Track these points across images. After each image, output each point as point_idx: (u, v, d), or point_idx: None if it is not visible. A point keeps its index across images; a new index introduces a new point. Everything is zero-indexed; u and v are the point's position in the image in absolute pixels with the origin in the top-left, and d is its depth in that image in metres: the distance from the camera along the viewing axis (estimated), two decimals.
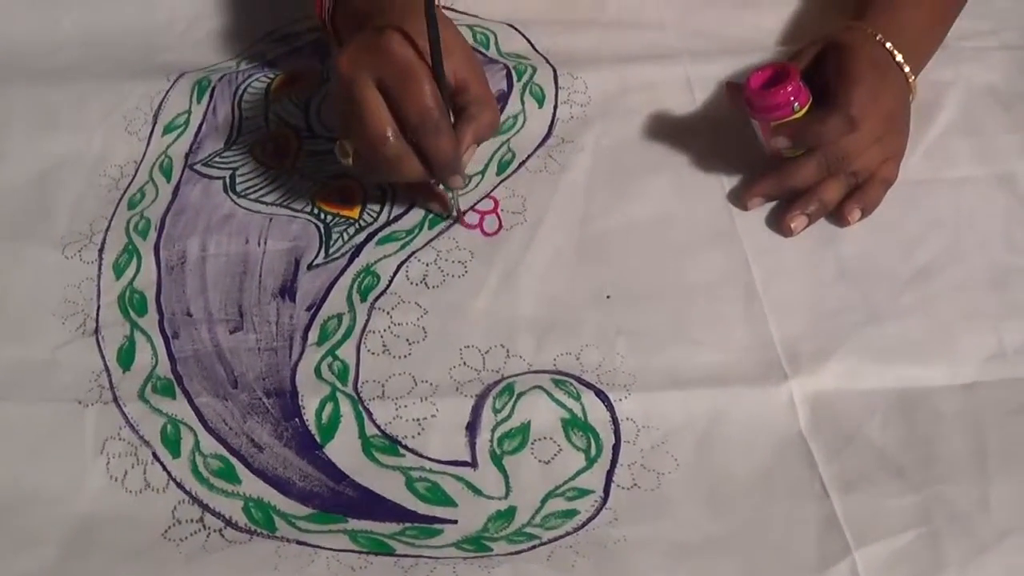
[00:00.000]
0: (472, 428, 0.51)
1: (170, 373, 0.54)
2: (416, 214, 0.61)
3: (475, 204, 0.61)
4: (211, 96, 0.70)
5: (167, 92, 0.70)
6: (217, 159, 0.66)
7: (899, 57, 0.60)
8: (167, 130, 0.68)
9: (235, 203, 0.63)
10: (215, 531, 0.49)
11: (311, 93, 0.69)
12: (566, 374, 0.52)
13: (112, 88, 0.70)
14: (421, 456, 0.50)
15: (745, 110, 0.59)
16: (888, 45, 0.60)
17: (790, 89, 0.57)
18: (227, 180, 0.64)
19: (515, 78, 0.68)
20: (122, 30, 0.75)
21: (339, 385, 0.53)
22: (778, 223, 0.59)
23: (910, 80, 0.61)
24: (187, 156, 0.66)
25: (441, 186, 0.59)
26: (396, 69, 0.53)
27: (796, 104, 0.57)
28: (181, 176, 0.65)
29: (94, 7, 0.75)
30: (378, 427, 0.51)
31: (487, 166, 0.63)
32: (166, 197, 0.64)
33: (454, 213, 0.60)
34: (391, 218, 0.61)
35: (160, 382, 0.54)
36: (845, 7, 0.66)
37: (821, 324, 0.54)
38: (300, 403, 0.52)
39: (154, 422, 0.52)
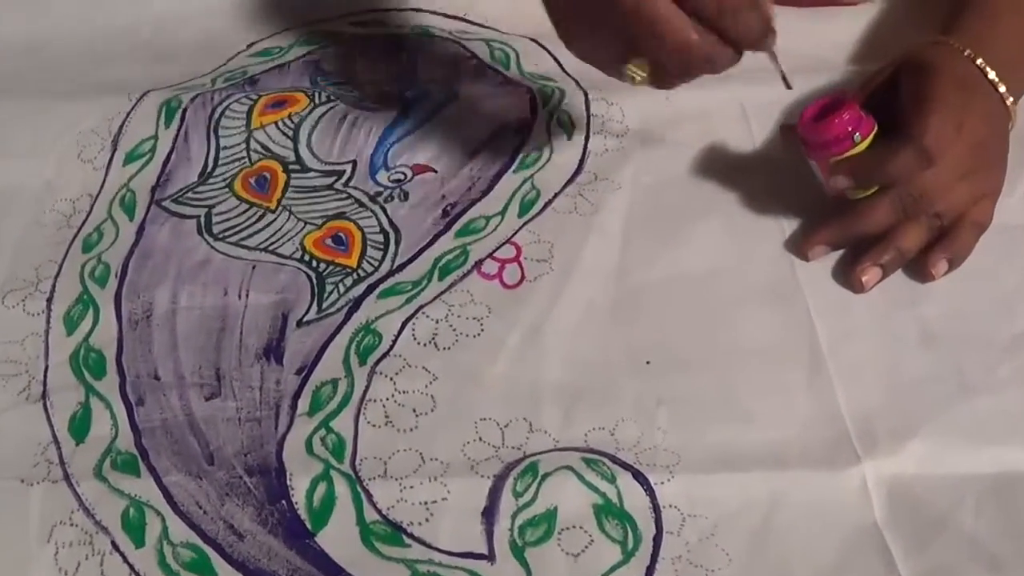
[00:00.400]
0: (489, 514, 0.53)
1: (133, 447, 0.57)
2: (424, 262, 0.65)
3: (494, 251, 0.65)
4: (182, 119, 0.75)
5: (128, 113, 0.75)
6: (190, 195, 0.70)
7: (992, 75, 0.62)
8: (129, 159, 0.73)
9: (211, 247, 0.67)
10: None
11: (301, 118, 0.73)
12: (599, 452, 0.55)
13: (62, 107, 0.74)
14: (429, 547, 0.53)
15: (800, 149, 0.63)
16: (979, 62, 0.62)
17: (847, 118, 0.60)
18: (202, 220, 0.69)
19: (540, 103, 0.73)
20: (72, 35, 0.79)
21: (334, 462, 0.56)
22: (847, 276, 0.62)
23: (1007, 103, 0.63)
24: (154, 190, 0.71)
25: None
26: None
27: (856, 135, 0.61)
28: (146, 214, 0.69)
29: (40, 6, 0.80)
30: (379, 512, 0.54)
31: (507, 206, 0.68)
32: (128, 238, 0.68)
33: (783, 80, 0.59)
34: (395, 267, 0.65)
35: (121, 457, 0.57)
36: (933, 17, 0.70)
37: (900, 397, 0.57)
38: (288, 483, 0.55)
39: (114, 504, 0.54)
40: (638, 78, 0.58)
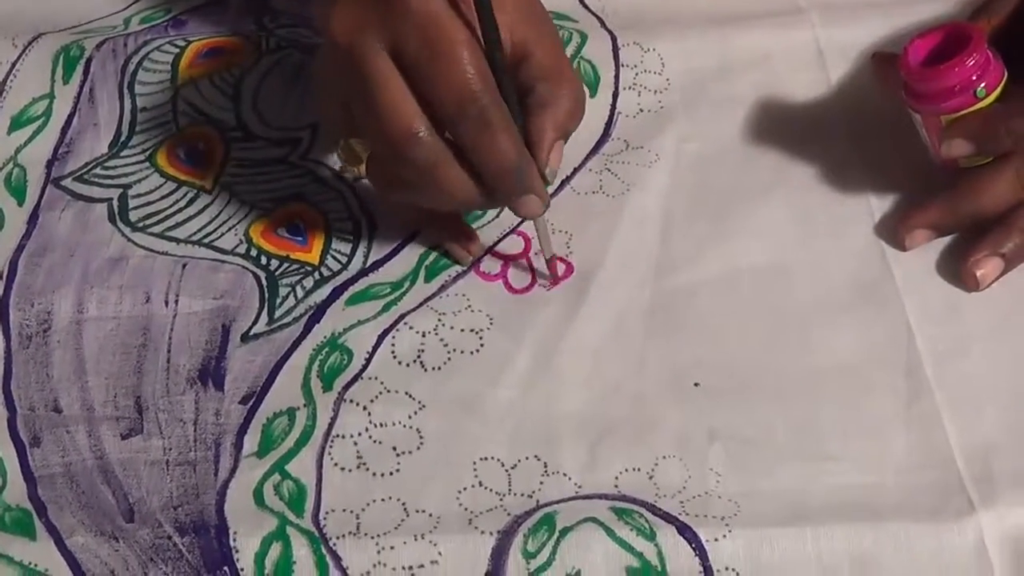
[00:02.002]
0: None
1: (26, 500, 0.58)
2: (407, 259, 0.66)
3: (496, 244, 0.67)
4: (85, 73, 0.76)
5: (14, 65, 0.76)
6: (98, 171, 0.72)
7: None
8: (16, 125, 0.74)
9: (128, 239, 0.68)
10: None
11: (244, 71, 0.75)
12: (634, 500, 0.56)
13: None
14: None
15: (902, 98, 0.64)
16: None
17: (971, 63, 0.61)
18: (114, 204, 0.70)
19: None
20: None
21: (291, 516, 0.57)
22: (957, 270, 0.63)
23: None
24: (50, 166, 0.72)
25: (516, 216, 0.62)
26: (418, 30, 0.57)
27: (982, 87, 0.61)
28: (41, 197, 0.71)
29: None
30: None
31: None
32: (17, 228, 0.69)
33: (546, 267, 0.64)
34: (369, 265, 0.66)
35: (10, 514, 0.57)
36: None
37: None
38: (232, 543, 0.56)
39: None
40: (353, 166, 0.62)
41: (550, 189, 0.62)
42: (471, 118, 0.57)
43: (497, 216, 0.68)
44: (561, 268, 0.65)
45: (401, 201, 0.63)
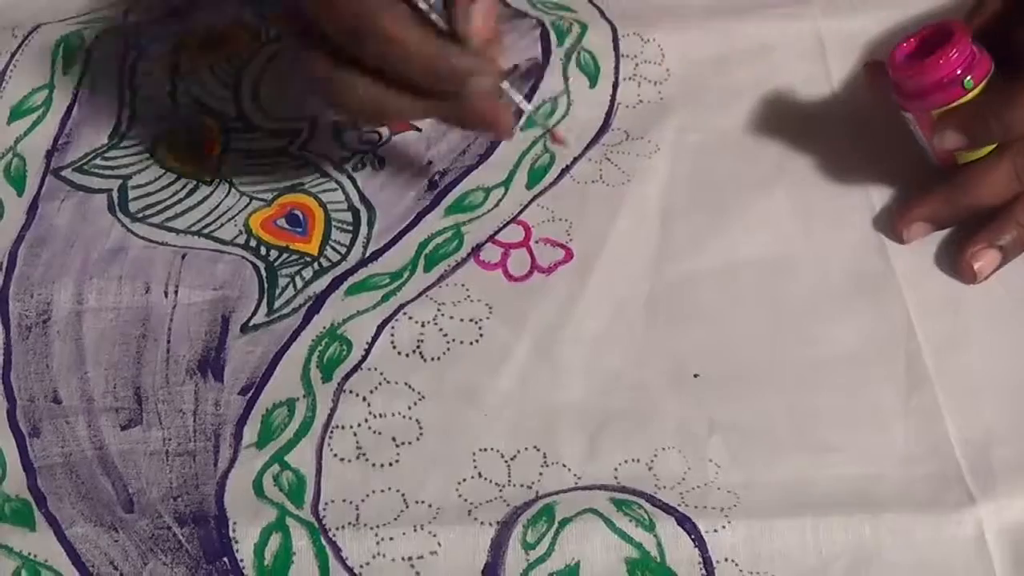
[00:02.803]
0: (492, 572, 0.54)
1: (26, 490, 0.58)
2: (406, 249, 0.66)
3: (496, 233, 0.67)
4: (85, 63, 0.76)
5: (13, 55, 0.76)
6: (98, 161, 0.72)
7: None
8: (16, 115, 0.74)
9: (128, 230, 0.68)
10: None
11: (244, 61, 0.75)
12: (633, 492, 0.56)
13: None
14: None
15: (893, 98, 0.64)
16: None
17: (955, 55, 0.61)
18: (114, 195, 0.70)
19: (554, 41, 0.74)
20: None
21: (291, 507, 0.57)
22: (955, 263, 0.63)
23: None
24: (49, 156, 0.72)
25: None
26: None
27: (968, 79, 0.61)
28: (41, 186, 0.71)
29: None
30: (350, 571, 0.55)
31: (512, 175, 0.69)
32: (16, 219, 0.69)
33: (519, 126, 0.64)
34: (368, 255, 0.66)
35: (10, 505, 0.58)
36: None
37: None
38: (231, 534, 0.56)
39: (0, 566, 0.56)
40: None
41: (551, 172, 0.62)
42: (366, 37, 0.55)
43: (497, 206, 0.68)
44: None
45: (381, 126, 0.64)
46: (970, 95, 0.62)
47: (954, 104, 0.62)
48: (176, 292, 0.65)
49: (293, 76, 0.74)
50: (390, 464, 0.58)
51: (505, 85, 0.61)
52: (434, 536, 0.55)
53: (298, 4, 0.57)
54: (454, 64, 0.56)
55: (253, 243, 0.67)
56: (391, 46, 0.56)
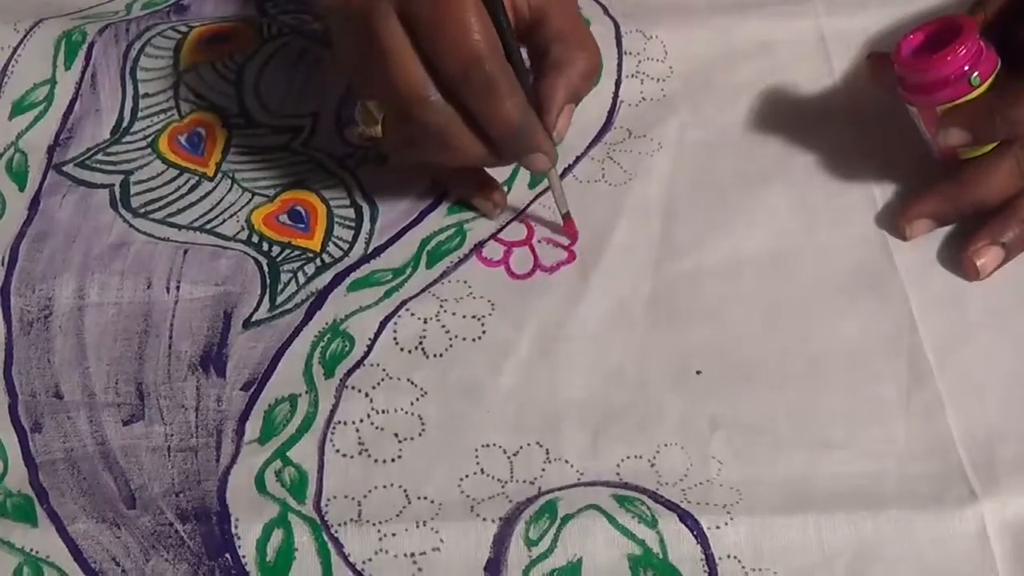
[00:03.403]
0: (494, 569, 0.54)
1: (27, 486, 0.58)
2: (408, 245, 0.66)
3: (498, 231, 0.67)
4: (87, 58, 0.76)
5: (15, 50, 0.76)
6: (99, 157, 0.72)
7: None
8: (18, 110, 0.74)
9: (129, 225, 0.68)
10: None
11: (246, 57, 0.74)
12: (636, 488, 0.56)
13: None
14: None
15: (898, 92, 0.64)
16: None
17: (963, 52, 0.61)
18: (116, 190, 0.70)
19: None
20: None
21: (293, 503, 0.57)
22: (958, 259, 0.63)
23: None
24: (51, 151, 0.72)
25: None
26: None
27: (975, 76, 0.61)
28: (42, 182, 0.71)
29: None
30: (352, 567, 0.55)
31: (514, 173, 0.69)
32: (18, 214, 0.69)
33: (560, 213, 0.65)
34: (370, 251, 0.66)
35: (11, 500, 0.58)
36: None
37: None
38: (233, 530, 0.56)
39: (1, 563, 0.56)
40: (370, 126, 0.62)
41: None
42: (475, 82, 0.58)
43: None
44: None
45: (415, 161, 0.65)
46: (976, 92, 0.62)
47: (960, 101, 0.62)
48: (178, 288, 0.65)
49: (297, 71, 0.74)
50: (392, 460, 0.58)
51: (555, 173, 0.64)
52: (436, 532, 0.55)
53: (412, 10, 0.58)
54: (537, 137, 0.61)
55: (255, 239, 0.67)
56: (493, 93, 0.58)
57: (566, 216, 0.65)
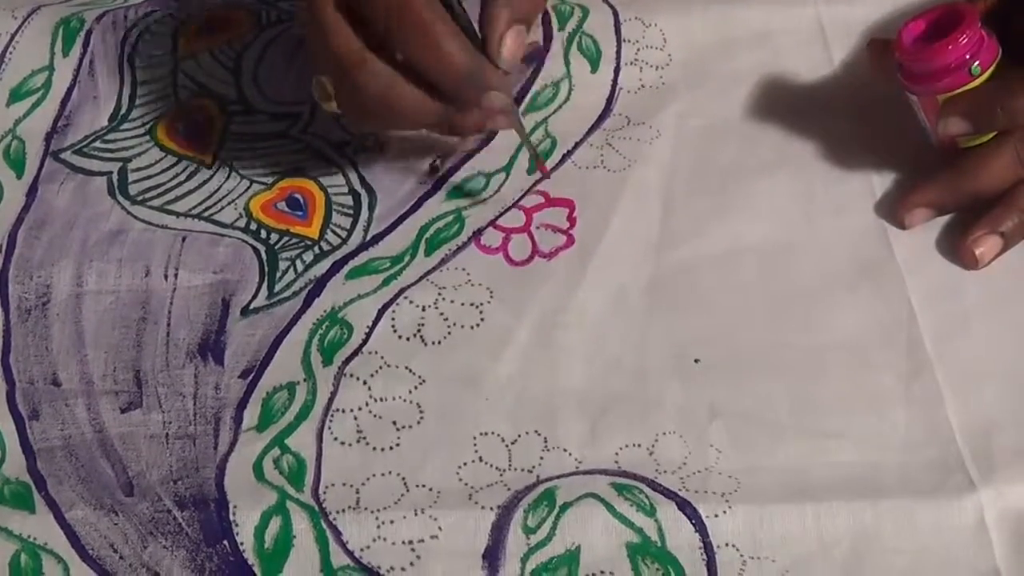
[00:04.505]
0: (492, 557, 0.54)
1: (25, 473, 0.58)
2: (407, 233, 0.66)
3: (497, 218, 0.67)
4: (85, 45, 0.76)
5: (13, 36, 0.76)
6: (97, 144, 0.72)
7: None
8: (15, 97, 0.74)
9: (127, 212, 0.68)
10: None
11: (245, 45, 0.75)
12: (634, 476, 0.56)
13: None
14: None
15: (898, 80, 0.64)
16: None
17: (964, 41, 0.61)
18: (114, 177, 0.70)
19: (555, 25, 0.74)
20: None
21: (291, 490, 0.57)
22: (957, 249, 0.63)
23: None
24: (49, 138, 0.72)
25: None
26: None
27: (975, 65, 0.61)
28: (40, 169, 0.71)
29: None
30: (350, 554, 0.55)
31: (513, 160, 0.69)
32: (16, 201, 0.69)
33: (530, 153, 0.65)
34: (369, 238, 0.66)
35: (9, 487, 0.58)
36: None
37: None
38: (232, 517, 0.56)
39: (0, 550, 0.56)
40: (325, 102, 0.62)
41: (553, 156, 0.63)
42: (408, 32, 0.57)
43: (498, 191, 0.68)
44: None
45: (376, 129, 0.66)
46: (976, 81, 0.62)
47: (960, 90, 0.62)
48: (176, 275, 0.65)
49: (296, 59, 0.74)
50: (391, 448, 0.58)
51: (515, 109, 0.63)
52: (435, 520, 0.55)
53: None
54: (485, 75, 0.59)
55: (253, 226, 0.67)
56: (428, 40, 0.57)
57: (535, 155, 0.65)
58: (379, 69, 0.59)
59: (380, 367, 0.61)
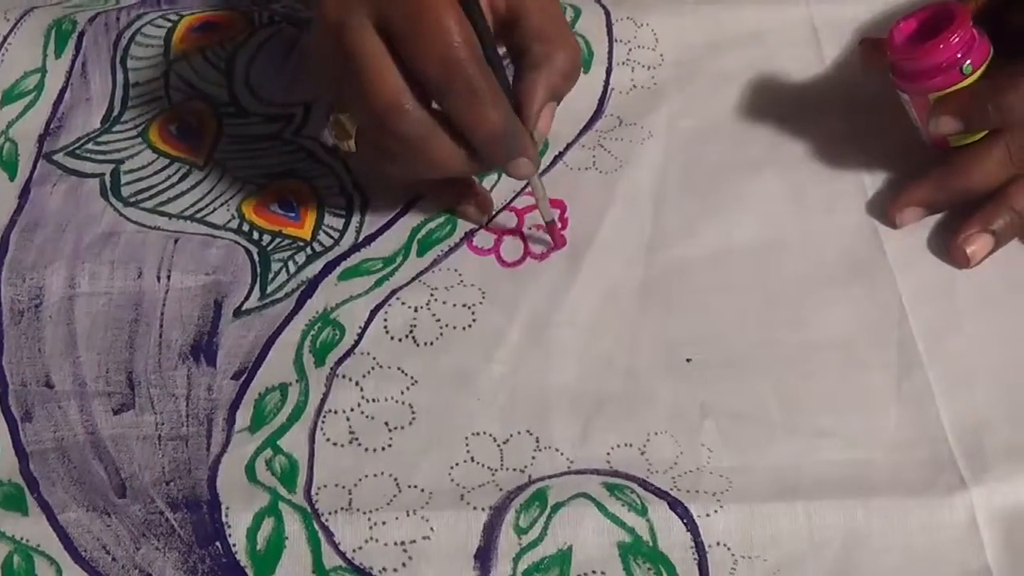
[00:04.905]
0: (484, 557, 0.55)
1: (18, 475, 0.58)
2: (399, 234, 0.66)
3: (490, 220, 0.67)
4: (77, 47, 0.76)
5: (6, 38, 0.76)
6: (90, 146, 0.72)
7: None
8: (8, 98, 0.74)
9: (120, 214, 0.68)
10: None
11: (237, 46, 0.75)
12: (626, 476, 0.57)
13: None
14: None
15: (890, 78, 0.64)
16: None
17: (956, 40, 0.61)
18: (107, 179, 0.70)
19: None
20: None
21: (283, 492, 0.57)
22: (948, 247, 0.64)
23: None
24: (41, 140, 0.72)
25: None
26: (403, 3, 0.57)
27: (967, 64, 0.61)
28: (33, 171, 0.71)
29: None
30: (342, 555, 0.55)
31: None
32: (8, 203, 0.69)
33: (545, 220, 0.65)
34: (361, 239, 0.66)
35: (2, 489, 0.58)
36: None
37: (1018, 406, 0.58)
38: (224, 519, 0.56)
39: None
40: (343, 140, 0.61)
41: (544, 158, 0.63)
42: (456, 88, 0.57)
43: (491, 190, 0.68)
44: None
45: (392, 175, 0.64)
46: (968, 80, 0.62)
47: (952, 88, 0.62)
48: (169, 277, 0.65)
49: (288, 61, 0.74)
50: (383, 449, 0.58)
51: (539, 176, 0.63)
52: (427, 521, 0.55)
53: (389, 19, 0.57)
54: (522, 143, 0.60)
55: (246, 228, 0.67)
56: (475, 100, 0.58)
57: (550, 224, 0.65)
58: (419, 117, 0.58)
59: (372, 368, 0.61)
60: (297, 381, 0.60)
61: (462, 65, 0.57)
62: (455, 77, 0.57)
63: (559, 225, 0.65)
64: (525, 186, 0.68)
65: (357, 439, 0.59)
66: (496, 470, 0.57)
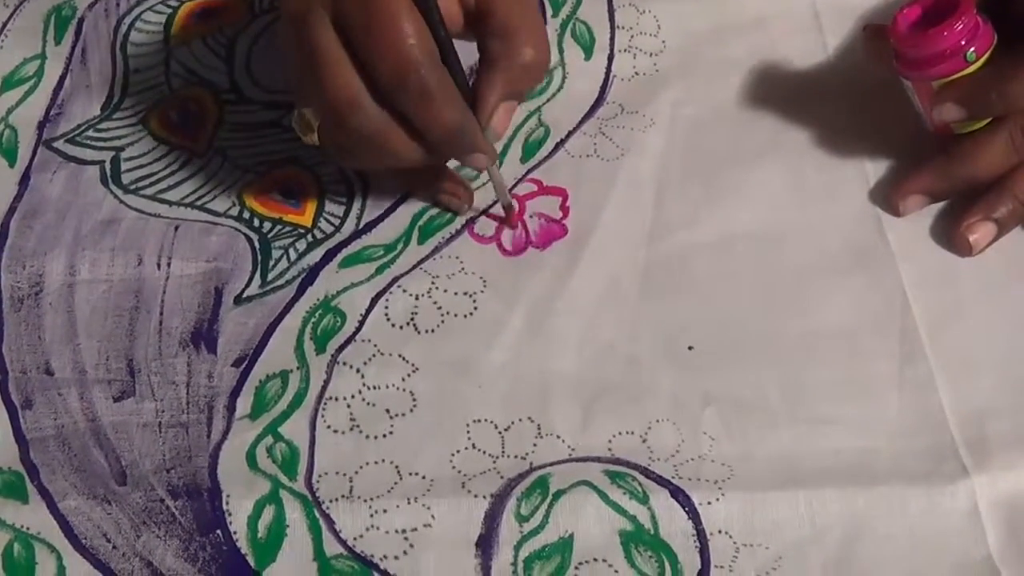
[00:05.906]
0: (486, 545, 0.55)
1: (18, 462, 0.59)
2: (400, 221, 0.66)
3: (490, 206, 0.67)
4: (77, 33, 0.77)
5: (5, 24, 0.77)
6: (90, 133, 0.72)
7: None
8: (8, 85, 0.74)
9: (120, 201, 0.68)
10: None
11: (237, 31, 0.75)
12: (627, 464, 0.57)
13: None
14: None
15: (893, 65, 0.64)
16: None
17: (960, 27, 0.61)
18: (107, 166, 0.70)
19: (549, 11, 0.74)
20: None
21: (284, 479, 0.57)
22: (951, 235, 0.63)
23: None
24: (41, 127, 0.72)
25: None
26: (360, 1, 0.57)
27: (971, 51, 0.61)
28: (32, 158, 0.71)
29: None
30: (343, 543, 0.55)
31: (507, 148, 0.69)
32: (8, 190, 0.69)
33: (503, 206, 0.65)
34: (362, 226, 0.66)
35: (2, 477, 0.58)
36: None
37: (1022, 393, 0.58)
38: (224, 507, 0.56)
39: None
40: (307, 134, 0.61)
41: (545, 146, 0.64)
42: (411, 88, 0.57)
43: (489, 180, 0.67)
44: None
45: (355, 166, 0.65)
46: (972, 67, 0.61)
47: (956, 76, 0.62)
48: (169, 264, 0.65)
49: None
50: (384, 436, 0.58)
51: (497, 167, 0.64)
52: (428, 508, 0.55)
53: (346, 15, 0.58)
54: (475, 140, 0.60)
55: (246, 215, 0.67)
56: (428, 102, 0.58)
57: (508, 208, 0.65)
58: (374, 114, 0.59)
59: (373, 355, 0.61)
60: (298, 368, 0.61)
61: (415, 65, 0.57)
62: (408, 77, 0.57)
63: (516, 208, 0.66)
64: (526, 173, 0.68)
65: (358, 426, 0.59)
66: (497, 457, 0.57)
